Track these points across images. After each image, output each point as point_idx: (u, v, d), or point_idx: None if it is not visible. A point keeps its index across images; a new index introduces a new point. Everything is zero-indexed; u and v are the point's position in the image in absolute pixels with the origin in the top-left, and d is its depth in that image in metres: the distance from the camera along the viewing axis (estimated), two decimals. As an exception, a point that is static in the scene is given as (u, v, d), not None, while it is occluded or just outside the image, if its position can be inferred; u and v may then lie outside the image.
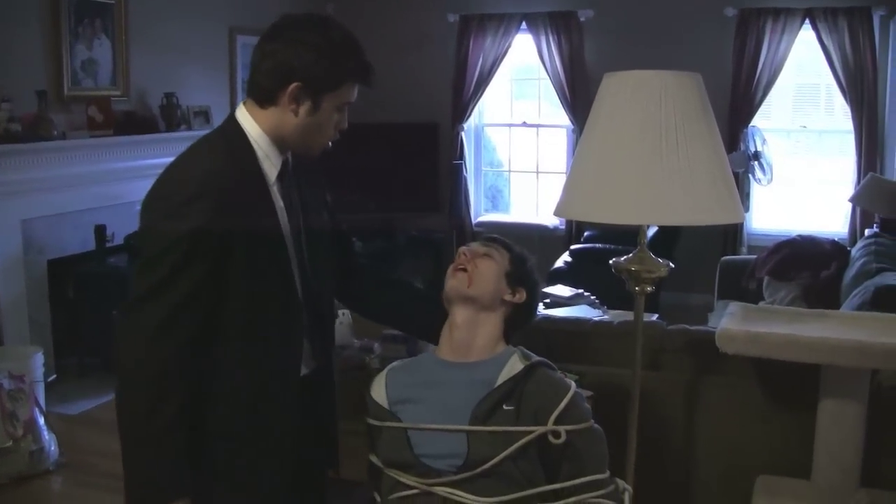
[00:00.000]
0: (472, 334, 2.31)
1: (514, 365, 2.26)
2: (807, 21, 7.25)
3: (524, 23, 8.09)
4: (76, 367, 5.95)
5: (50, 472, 4.47)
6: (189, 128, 6.80)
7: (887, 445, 2.93)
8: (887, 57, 7.14)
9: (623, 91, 2.53)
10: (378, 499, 2.34)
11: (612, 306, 5.74)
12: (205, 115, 7.04)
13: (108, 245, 6.10)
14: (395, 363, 2.45)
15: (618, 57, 7.66)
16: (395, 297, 2.57)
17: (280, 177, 2.14)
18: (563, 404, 2.19)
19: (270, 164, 2.12)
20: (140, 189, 6.46)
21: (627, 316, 3.72)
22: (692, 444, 3.10)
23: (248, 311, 2.06)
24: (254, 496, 2.14)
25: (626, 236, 7.19)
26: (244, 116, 2.11)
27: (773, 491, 2.86)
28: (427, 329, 2.47)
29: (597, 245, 7.29)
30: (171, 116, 6.58)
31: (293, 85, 2.03)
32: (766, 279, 5.83)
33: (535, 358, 2.29)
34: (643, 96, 2.47)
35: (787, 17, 7.29)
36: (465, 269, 2.34)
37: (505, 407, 2.19)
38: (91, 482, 4.45)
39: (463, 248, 2.41)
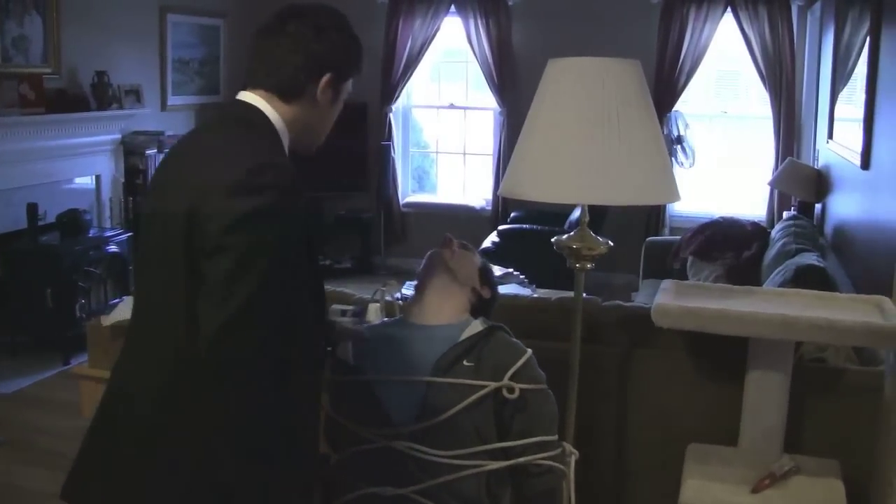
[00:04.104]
0: (441, 300, 2.49)
1: (476, 326, 2.45)
2: (728, 9, 7.47)
3: (453, 6, 8.19)
4: (8, 346, 5.92)
5: (-11, 451, 4.49)
6: (120, 106, 6.80)
7: (808, 414, 3.11)
8: (804, 46, 7.38)
9: (567, 77, 2.65)
10: (333, 455, 2.45)
11: (539, 285, 5.90)
12: (136, 93, 7.03)
13: (40, 223, 6.08)
14: (361, 327, 2.55)
15: (545, 41, 7.79)
16: None
17: None
18: (519, 363, 2.38)
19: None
20: (71, 168, 6.50)
21: (555, 294, 3.85)
22: (626, 414, 3.24)
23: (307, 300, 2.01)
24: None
25: (550, 217, 7.38)
26: (267, 109, 2.01)
27: (703, 457, 3.01)
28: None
29: (524, 226, 7.44)
30: (102, 95, 6.56)
31: (327, 77, 2.02)
32: (690, 259, 6.02)
33: (496, 323, 2.49)
34: (586, 82, 2.59)
35: (710, 4, 7.50)
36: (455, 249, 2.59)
37: (465, 363, 2.36)
38: (31, 459, 4.48)
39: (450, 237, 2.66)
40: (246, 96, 2.03)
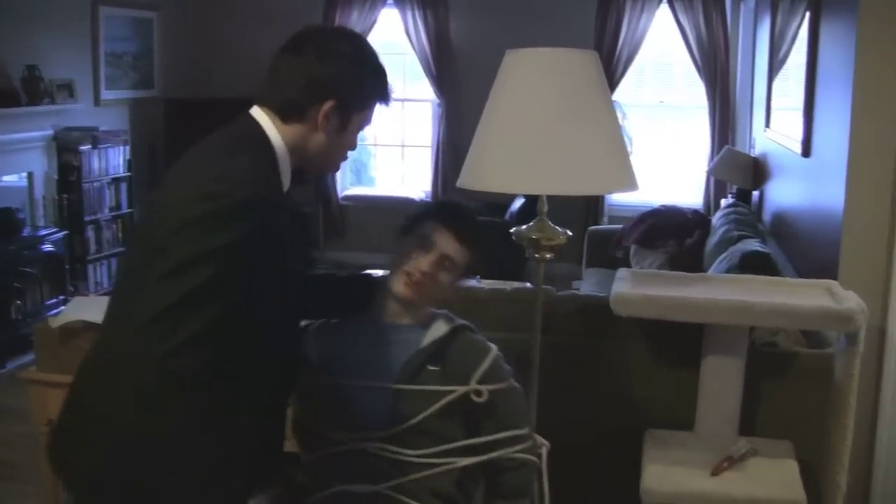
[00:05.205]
0: (406, 308, 2.37)
1: (439, 327, 2.37)
2: (664, 1, 7.58)
3: (391, -3, 8.17)
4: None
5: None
6: (52, 101, 6.66)
7: (761, 397, 3.18)
8: (738, 37, 7.51)
9: (525, 67, 2.65)
10: (303, 455, 2.42)
11: (483, 276, 5.91)
12: (68, 88, 6.90)
13: (-28, 225, 5.95)
14: (323, 321, 2.50)
15: (483, 33, 7.83)
16: (325, 292, 2.50)
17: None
18: (485, 365, 2.33)
19: (285, 178, 2.00)
20: (2, 165, 6.33)
21: (499, 285, 3.85)
22: (584, 403, 3.27)
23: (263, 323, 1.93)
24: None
25: (491, 208, 7.41)
26: (269, 127, 1.97)
27: (662, 442, 3.05)
28: (360, 307, 2.45)
29: (465, 217, 7.44)
30: (33, 89, 6.42)
31: (329, 103, 1.96)
32: (633, 247, 6.10)
33: (459, 321, 2.41)
34: (545, 73, 2.60)
35: (646, -4, 7.59)
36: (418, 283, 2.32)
37: (430, 367, 2.30)
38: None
39: (422, 264, 2.32)
40: (254, 111, 2.00)
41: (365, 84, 2.02)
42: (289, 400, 2.22)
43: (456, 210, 2.50)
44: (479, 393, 2.30)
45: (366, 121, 2.08)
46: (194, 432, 1.80)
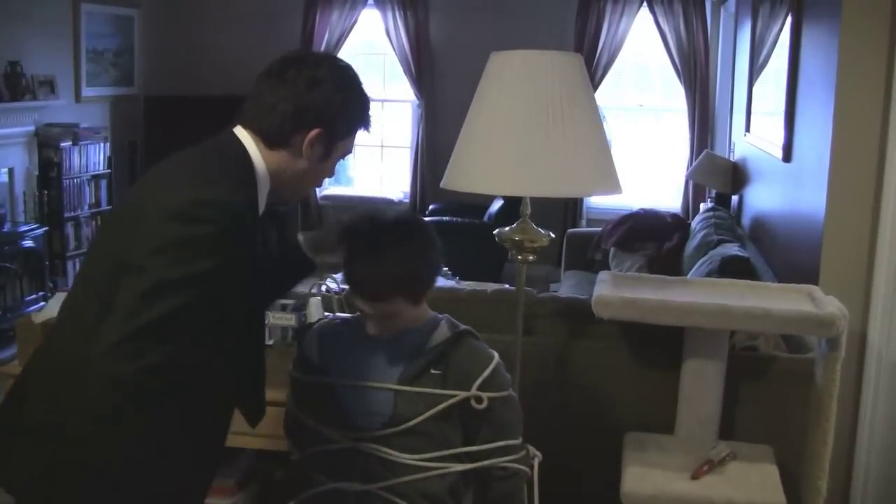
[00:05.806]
0: (399, 321, 2.33)
1: (443, 332, 2.35)
2: (644, 4, 7.59)
3: (371, -3, 8.15)
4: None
5: None
6: (34, 97, 6.64)
7: (741, 400, 3.18)
8: (718, 40, 7.54)
9: (510, 69, 2.65)
10: (296, 452, 2.42)
11: (462, 277, 5.94)
12: (50, 84, 6.88)
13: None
14: (326, 319, 2.51)
15: (463, 34, 7.83)
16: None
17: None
18: (487, 372, 2.30)
19: (262, 203, 1.99)
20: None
21: (478, 286, 3.85)
22: (565, 405, 3.27)
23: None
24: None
25: (469, 209, 7.43)
26: (253, 151, 1.96)
27: (641, 445, 3.05)
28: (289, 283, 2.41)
29: (444, 218, 7.46)
30: (15, 86, 6.41)
31: (315, 131, 1.95)
32: (612, 250, 6.10)
33: (462, 327, 2.39)
34: (531, 75, 2.60)
35: (626, -1, 7.61)
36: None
37: (432, 371, 2.29)
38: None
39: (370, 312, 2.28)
40: (239, 132, 1.98)
41: (350, 112, 2.01)
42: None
43: (356, 275, 2.28)
44: (479, 399, 2.28)
45: (348, 149, 2.08)
46: (155, 451, 1.81)
